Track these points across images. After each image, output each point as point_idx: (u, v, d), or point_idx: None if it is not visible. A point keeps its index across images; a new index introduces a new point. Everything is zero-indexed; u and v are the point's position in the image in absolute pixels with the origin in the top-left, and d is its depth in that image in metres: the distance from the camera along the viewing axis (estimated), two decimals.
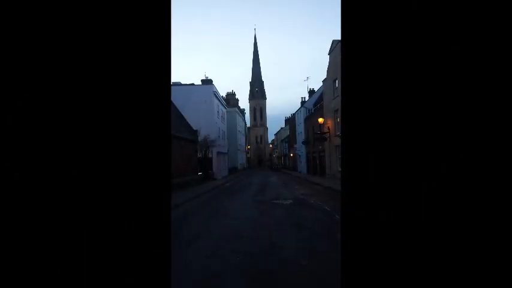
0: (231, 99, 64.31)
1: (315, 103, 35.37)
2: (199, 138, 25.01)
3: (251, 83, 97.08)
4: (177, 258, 5.10)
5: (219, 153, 32.00)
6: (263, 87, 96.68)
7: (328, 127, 24.37)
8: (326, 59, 26.45)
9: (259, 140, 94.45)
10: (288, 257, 5.10)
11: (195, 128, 24.55)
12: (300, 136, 39.40)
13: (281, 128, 74.57)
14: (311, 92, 40.80)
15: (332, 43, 23.70)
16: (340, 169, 18.51)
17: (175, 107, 23.64)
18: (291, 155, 49.47)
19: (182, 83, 33.38)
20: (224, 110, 39.18)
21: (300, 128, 39.59)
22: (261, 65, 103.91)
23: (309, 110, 36.30)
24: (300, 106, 41.25)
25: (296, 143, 42.77)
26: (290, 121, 54.20)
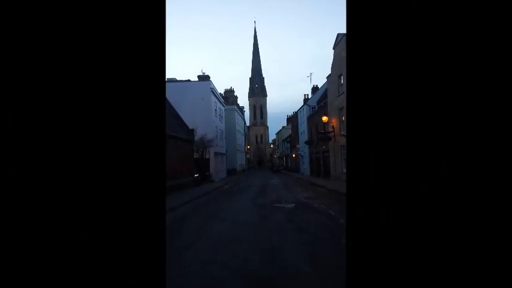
0: (229, 96, 64.36)
1: (318, 101, 35.41)
2: (196, 138, 25.04)
3: (251, 79, 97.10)
4: (175, 262, 5.10)
5: (216, 153, 32.02)
6: (263, 83, 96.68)
7: (333, 126, 24.39)
8: (330, 54, 26.56)
9: (259, 139, 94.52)
10: (289, 264, 5.10)
11: (191, 127, 24.58)
12: (303, 136, 39.44)
13: (282, 127, 74.64)
14: (314, 89, 40.85)
15: (337, 37, 23.72)
16: (345, 170, 18.50)
17: (170, 105, 23.66)
18: (293, 155, 49.52)
19: (177, 79, 33.41)
20: (222, 108, 39.21)
21: (303, 127, 39.63)
22: (261, 61, 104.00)
23: (312, 108, 36.35)
24: (302, 104, 41.29)
25: (298, 143, 42.82)
26: (292, 120, 54.27)
